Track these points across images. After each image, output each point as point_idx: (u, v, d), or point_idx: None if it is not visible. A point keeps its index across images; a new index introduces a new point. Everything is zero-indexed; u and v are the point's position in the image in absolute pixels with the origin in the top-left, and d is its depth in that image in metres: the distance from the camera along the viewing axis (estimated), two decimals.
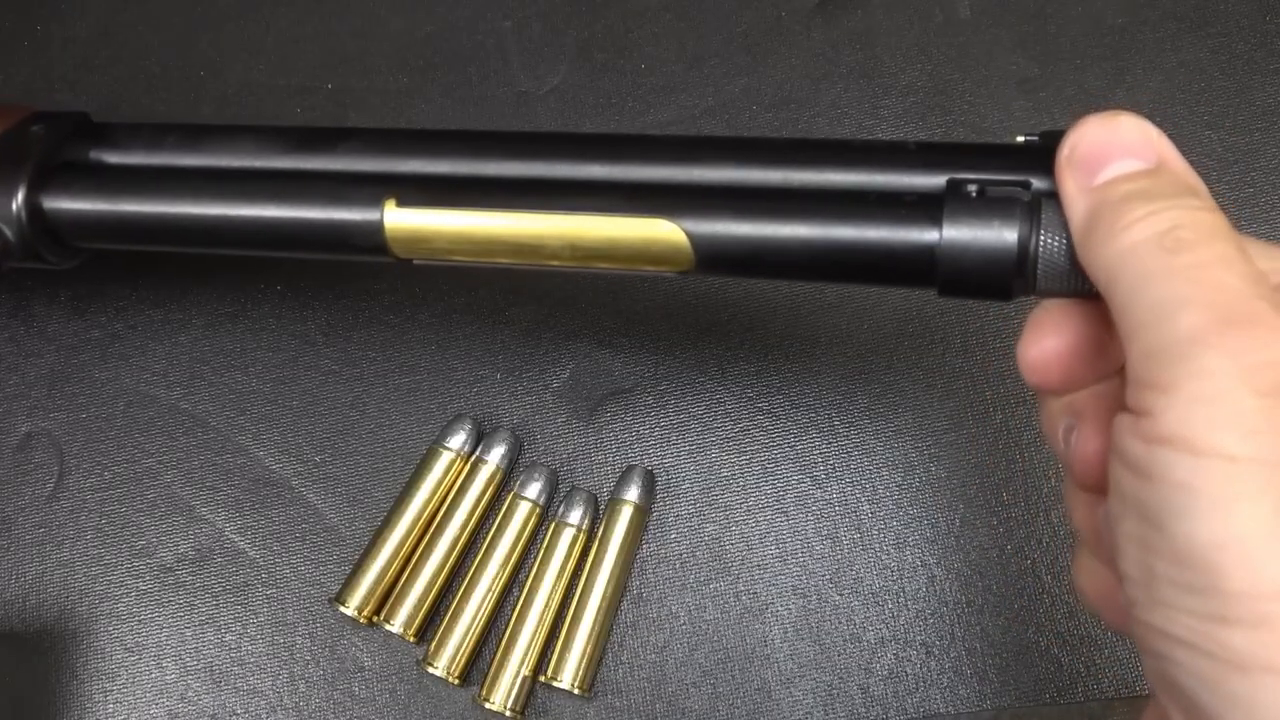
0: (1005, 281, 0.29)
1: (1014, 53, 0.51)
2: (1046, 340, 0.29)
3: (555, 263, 0.34)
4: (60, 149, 0.39)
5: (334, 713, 0.45)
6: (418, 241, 0.35)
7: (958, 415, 0.46)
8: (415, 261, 0.36)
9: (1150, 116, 0.49)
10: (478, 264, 0.36)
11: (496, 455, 0.46)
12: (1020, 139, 0.31)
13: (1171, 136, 0.48)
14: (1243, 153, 0.49)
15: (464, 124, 0.52)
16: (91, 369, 0.49)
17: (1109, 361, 0.30)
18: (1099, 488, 0.30)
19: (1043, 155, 0.30)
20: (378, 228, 0.35)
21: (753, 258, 0.32)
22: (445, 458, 0.46)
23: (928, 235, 0.30)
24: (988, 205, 0.29)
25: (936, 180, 0.31)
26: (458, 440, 0.46)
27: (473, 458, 0.46)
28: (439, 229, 0.35)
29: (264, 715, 0.45)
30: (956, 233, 0.29)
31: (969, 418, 0.46)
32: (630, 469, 0.45)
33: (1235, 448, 0.22)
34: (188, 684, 0.45)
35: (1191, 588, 0.22)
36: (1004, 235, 0.29)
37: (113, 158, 0.40)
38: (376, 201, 0.35)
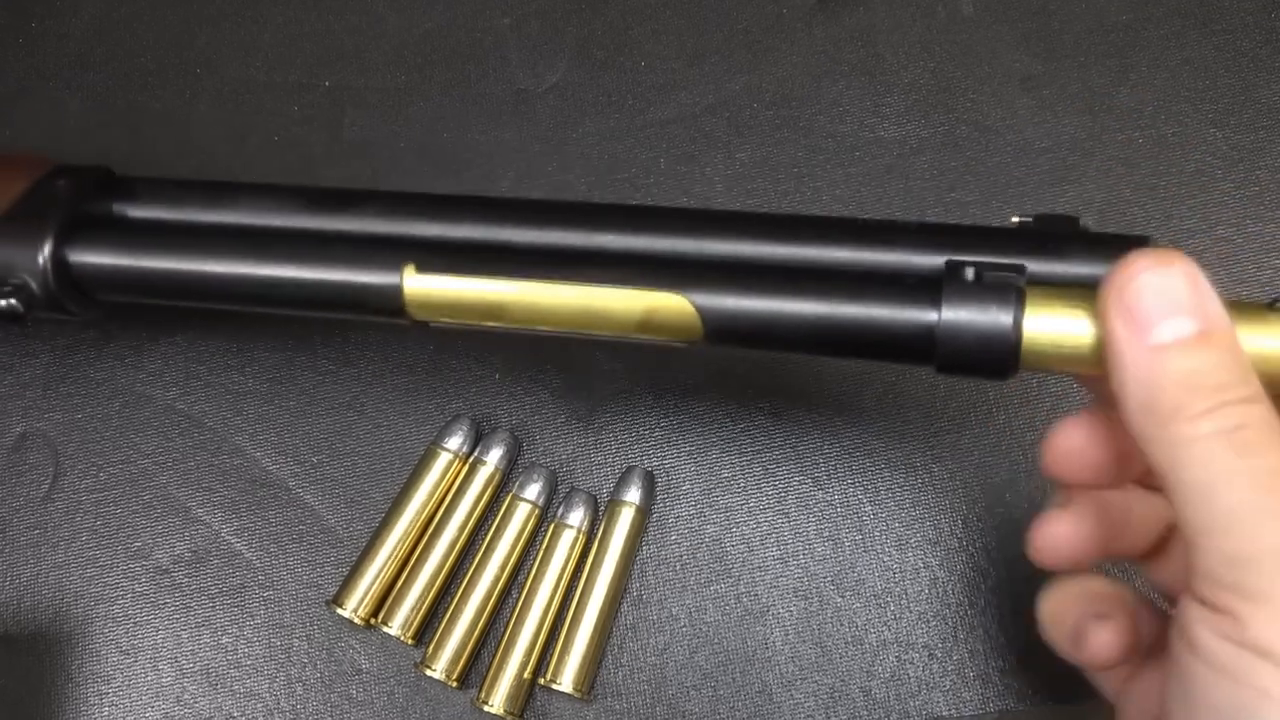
0: (1001, 363, 0.30)
1: (1017, 50, 0.51)
2: (1073, 438, 0.32)
3: (567, 329, 0.35)
4: (83, 203, 0.40)
5: (331, 716, 0.44)
6: (435, 306, 0.36)
7: (961, 416, 0.46)
8: (431, 324, 0.37)
9: (1155, 114, 0.49)
10: (490, 328, 0.36)
11: (495, 456, 0.45)
12: (1015, 220, 0.33)
13: (1176, 134, 0.49)
14: (1248, 151, 0.48)
15: (462, 121, 0.52)
16: (86, 369, 0.49)
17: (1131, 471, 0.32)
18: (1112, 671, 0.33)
19: (1037, 239, 0.32)
20: (396, 292, 0.36)
21: (760, 333, 0.33)
22: (444, 458, 0.46)
23: (927, 316, 0.31)
24: (984, 290, 0.30)
25: (935, 260, 0.33)
26: (456, 441, 0.46)
27: (471, 458, 0.46)
28: (456, 295, 0.36)
29: (261, 718, 0.44)
30: (954, 315, 0.30)
31: (972, 418, 0.46)
32: (630, 470, 0.45)
33: None
34: (184, 687, 0.45)
35: None
36: (1000, 319, 0.30)
37: (135, 212, 0.41)
38: (396, 266, 0.36)
